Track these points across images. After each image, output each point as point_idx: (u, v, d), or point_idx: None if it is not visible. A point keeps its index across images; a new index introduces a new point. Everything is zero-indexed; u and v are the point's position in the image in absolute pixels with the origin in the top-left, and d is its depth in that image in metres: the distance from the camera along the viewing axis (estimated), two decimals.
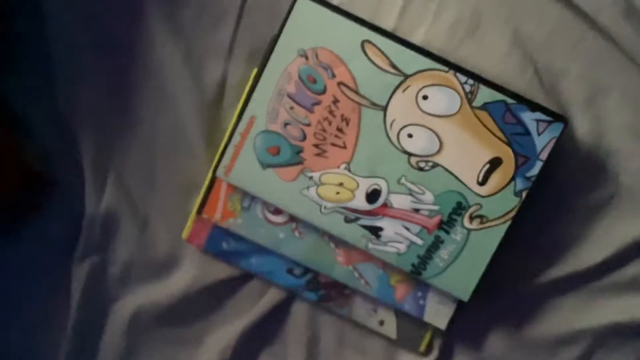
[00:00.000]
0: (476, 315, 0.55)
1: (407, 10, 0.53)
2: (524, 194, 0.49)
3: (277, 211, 0.54)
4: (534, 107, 0.49)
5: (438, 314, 0.54)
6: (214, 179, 0.54)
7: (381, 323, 0.56)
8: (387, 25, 0.53)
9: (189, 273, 0.57)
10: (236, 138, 0.51)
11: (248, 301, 0.57)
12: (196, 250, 0.57)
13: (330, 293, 0.56)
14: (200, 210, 0.55)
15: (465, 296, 0.51)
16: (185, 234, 0.56)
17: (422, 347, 0.56)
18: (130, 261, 0.57)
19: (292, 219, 0.53)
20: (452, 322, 0.54)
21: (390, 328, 0.56)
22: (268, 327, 0.57)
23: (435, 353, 0.56)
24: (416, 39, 0.53)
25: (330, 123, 0.50)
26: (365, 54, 0.49)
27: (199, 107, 0.55)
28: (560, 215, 0.54)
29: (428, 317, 0.54)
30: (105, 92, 0.55)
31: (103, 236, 0.57)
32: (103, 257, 0.57)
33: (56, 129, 0.56)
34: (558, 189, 0.53)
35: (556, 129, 0.49)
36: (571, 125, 0.52)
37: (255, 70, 0.53)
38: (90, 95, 0.55)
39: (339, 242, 0.53)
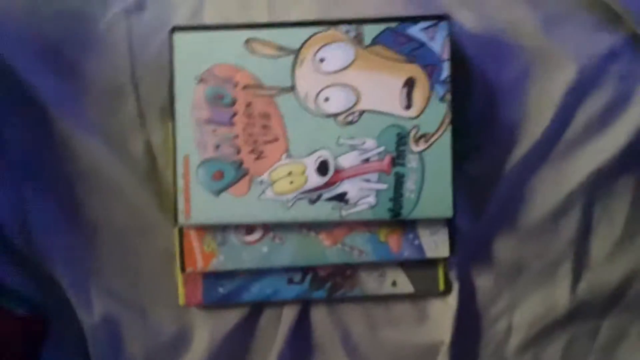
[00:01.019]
0: (473, 226, 0.56)
1: (274, 6, 0.56)
2: (448, 97, 0.51)
3: (250, 230, 0.54)
4: (414, 19, 0.52)
5: (437, 245, 0.54)
6: (181, 232, 0.55)
7: (394, 284, 0.56)
8: (262, 19, 0.56)
9: (204, 335, 0.57)
10: (180, 182, 0.53)
11: (270, 330, 0.57)
12: (200, 311, 0.57)
13: (336, 282, 0.56)
14: (182, 268, 0.55)
15: (449, 212, 0.52)
16: (181, 299, 0.56)
17: (442, 286, 0.56)
18: (146, 354, 0.57)
19: (266, 229, 0.54)
20: (452, 246, 0.54)
21: (405, 284, 0.56)
22: (299, 344, 0.57)
23: (456, 285, 0.56)
24: (293, 18, 0.56)
25: (254, 125, 0.52)
26: (253, 51, 0.52)
27: (140, 181, 0.56)
28: (493, 104, 0.55)
29: (430, 253, 0.54)
30: (54, 209, 0.57)
31: (111, 343, 0.57)
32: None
33: (21, 265, 0.57)
34: (477, 80, 0.55)
35: (444, 27, 0.52)
36: (460, 23, 0.55)
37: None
38: (43, 216, 0.56)
39: (317, 227, 0.54)
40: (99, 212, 0.57)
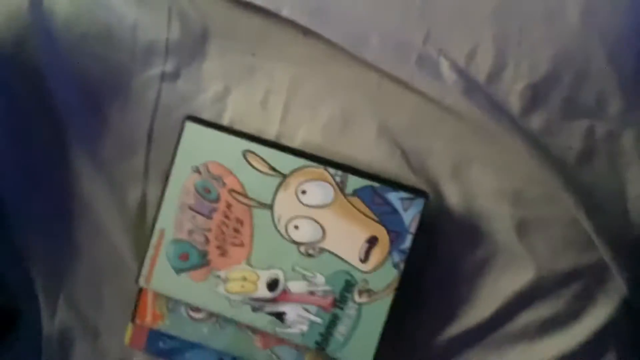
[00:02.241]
0: None
1: (286, 118, 0.61)
2: (401, 266, 0.55)
3: (197, 308, 0.60)
4: (397, 187, 0.55)
5: None
6: (140, 290, 0.61)
7: None
8: (271, 132, 0.60)
9: None
10: (151, 250, 0.59)
11: None
12: (141, 353, 0.63)
13: None
14: (133, 318, 0.61)
15: None
16: (127, 339, 0.63)
17: None
18: None
19: (211, 313, 0.60)
20: None
21: None
22: None
23: None
24: (297, 141, 0.60)
25: (227, 226, 0.57)
26: (248, 162, 0.57)
27: (127, 227, 0.62)
28: (448, 278, 0.59)
29: None
30: (47, 224, 0.64)
31: (61, 352, 0.64)
32: None
33: (10, 261, 0.64)
34: (441, 255, 0.58)
35: (419, 204, 0.55)
36: (443, 196, 0.58)
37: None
38: (36, 229, 0.64)
39: (254, 329, 0.59)
40: (84, 241, 0.64)
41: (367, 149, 0.59)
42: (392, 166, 0.58)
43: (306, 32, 0.60)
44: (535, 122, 0.57)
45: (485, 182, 0.58)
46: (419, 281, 0.57)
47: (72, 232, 0.64)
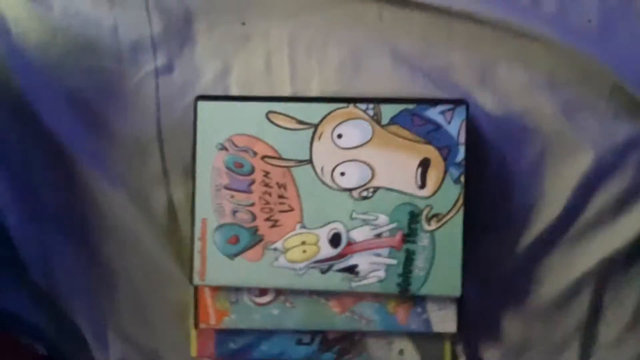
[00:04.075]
0: (482, 304, 0.56)
1: (295, 74, 0.58)
2: (462, 179, 0.52)
3: (263, 292, 0.56)
4: (433, 103, 0.53)
5: (444, 320, 0.55)
6: (196, 289, 0.57)
7: (401, 352, 0.57)
8: (285, 93, 0.58)
9: None
10: (197, 244, 0.55)
11: None
12: None
13: (344, 346, 0.58)
14: (196, 324, 0.57)
15: (457, 292, 0.53)
16: (193, 351, 0.59)
17: (448, 358, 0.57)
18: None
19: (278, 292, 0.56)
20: (460, 321, 0.55)
21: (411, 353, 0.57)
22: None
23: (462, 359, 0.57)
24: (314, 93, 0.57)
25: (270, 195, 0.54)
26: (274, 123, 0.54)
27: (159, 235, 0.59)
28: (508, 184, 0.56)
29: (437, 327, 0.55)
30: (77, 254, 0.59)
31: None
32: None
33: (44, 305, 0.60)
34: (495, 162, 0.56)
35: (461, 112, 0.53)
36: (478, 105, 0.56)
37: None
38: (65, 260, 0.60)
39: (327, 294, 0.55)
40: (118, 260, 0.60)
41: (388, 81, 0.57)
42: (418, 90, 0.56)
43: None
44: (548, 5, 0.55)
45: (516, 78, 0.56)
46: (480, 194, 0.54)
47: (103, 258, 0.60)
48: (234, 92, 0.58)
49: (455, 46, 0.57)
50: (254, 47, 0.59)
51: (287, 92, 0.58)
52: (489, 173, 0.56)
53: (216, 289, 0.56)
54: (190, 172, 0.55)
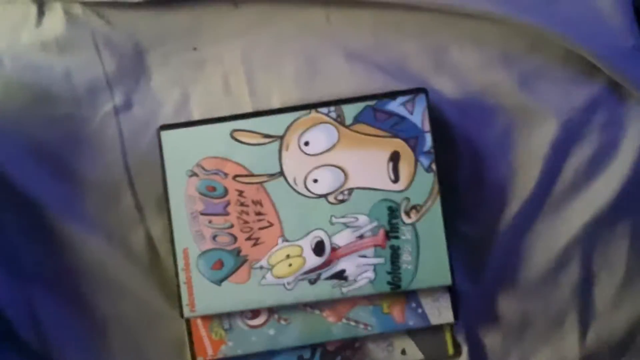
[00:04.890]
0: (474, 289, 0.56)
1: (254, 90, 0.58)
2: (433, 166, 0.52)
3: (255, 314, 0.55)
4: (393, 95, 0.53)
5: (440, 312, 0.55)
6: (188, 322, 0.56)
7: (403, 352, 0.56)
8: (246, 108, 0.58)
9: None
10: (182, 275, 0.54)
11: None
12: None
13: (345, 355, 0.57)
14: (193, 358, 0.56)
15: (447, 280, 0.53)
16: None
17: (450, 350, 0.56)
18: None
19: (271, 311, 0.55)
20: (456, 310, 0.54)
21: (414, 351, 0.56)
22: None
23: (465, 347, 0.56)
24: (275, 105, 0.57)
25: (247, 213, 0.53)
26: (239, 141, 0.53)
27: (143, 274, 0.58)
28: (480, 163, 0.56)
29: (434, 320, 0.55)
30: (63, 305, 0.58)
31: None
32: None
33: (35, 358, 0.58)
34: (462, 145, 0.56)
35: (422, 100, 0.53)
36: (436, 90, 0.56)
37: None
38: (51, 312, 0.58)
39: (320, 305, 0.55)
40: (106, 305, 0.59)
41: (345, 80, 0.57)
42: (376, 84, 0.56)
43: (236, 1, 0.58)
44: None
45: (470, 58, 0.57)
46: (453, 179, 0.54)
47: (90, 305, 0.59)
48: (197, 117, 0.58)
49: (406, 36, 0.57)
50: (209, 70, 0.59)
51: (248, 109, 0.58)
52: (458, 156, 0.56)
53: (209, 319, 0.55)
54: (164, 204, 0.54)
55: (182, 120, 0.57)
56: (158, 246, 0.58)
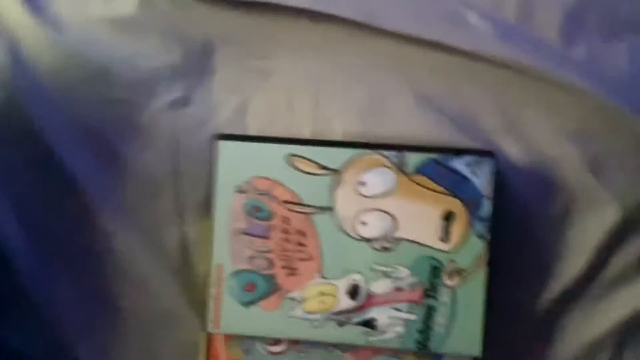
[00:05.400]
0: None
1: (317, 114, 0.56)
2: (486, 235, 0.51)
3: (276, 341, 0.54)
4: (460, 153, 0.51)
5: None
6: (209, 337, 0.55)
7: None
8: (305, 133, 0.56)
9: None
10: (212, 290, 0.53)
11: None
12: None
13: None
14: None
15: (477, 351, 0.51)
16: None
17: None
18: None
19: (292, 342, 0.54)
20: None
21: None
22: None
23: None
24: (336, 134, 0.56)
25: (289, 241, 0.52)
26: (295, 167, 0.52)
27: (170, 275, 0.57)
28: (530, 237, 0.55)
29: None
30: (86, 293, 0.58)
31: None
32: None
33: (51, 345, 0.58)
34: (517, 214, 0.54)
35: (489, 164, 0.51)
36: (504, 153, 0.54)
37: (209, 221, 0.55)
38: (71, 295, 0.58)
39: (343, 347, 0.53)
40: (127, 299, 0.58)
41: (412, 124, 0.55)
42: (442, 134, 0.55)
43: (315, 17, 0.56)
44: (578, 51, 0.55)
45: (543, 126, 0.55)
46: (502, 247, 0.53)
47: (112, 296, 0.58)
48: (252, 129, 0.57)
49: (482, 89, 0.55)
50: (274, 83, 0.57)
51: (308, 131, 0.57)
52: (512, 225, 0.54)
53: (229, 337, 0.54)
54: (205, 211, 0.54)
55: (237, 127, 0.56)
56: (191, 249, 0.57)
